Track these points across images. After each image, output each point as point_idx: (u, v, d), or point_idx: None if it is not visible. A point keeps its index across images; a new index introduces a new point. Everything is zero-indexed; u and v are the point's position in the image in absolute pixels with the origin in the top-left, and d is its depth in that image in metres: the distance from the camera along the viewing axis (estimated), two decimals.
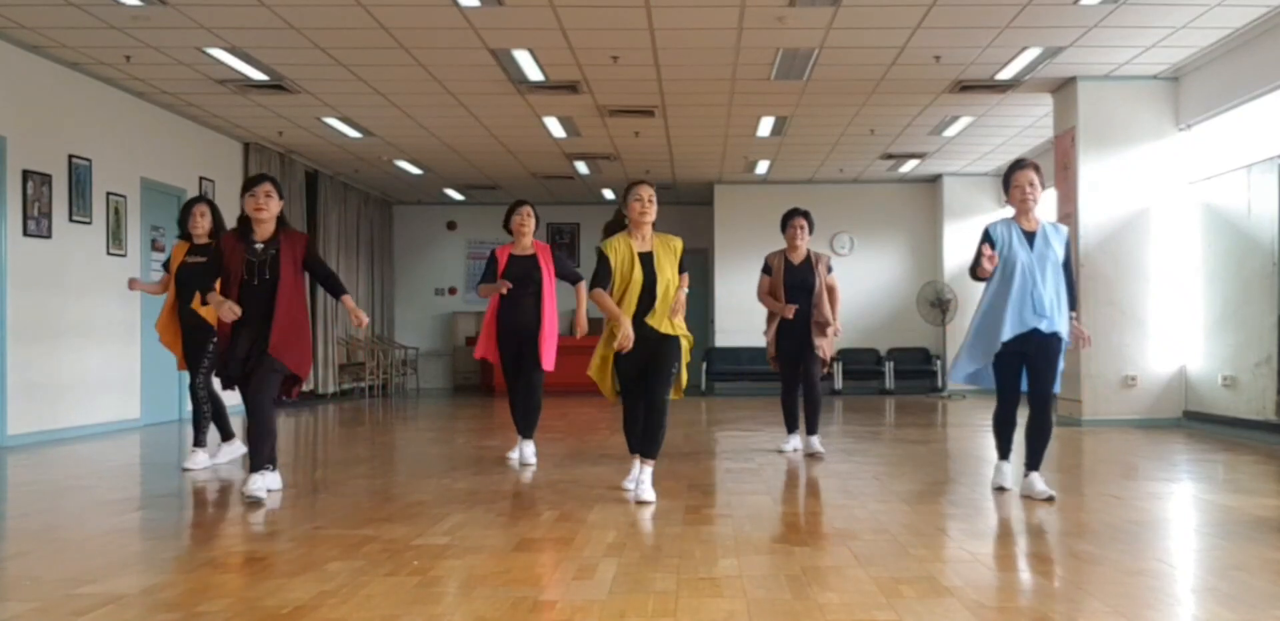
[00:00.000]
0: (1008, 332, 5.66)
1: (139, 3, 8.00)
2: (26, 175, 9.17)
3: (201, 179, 12.25)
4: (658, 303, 5.77)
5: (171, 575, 4.12)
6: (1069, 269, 5.85)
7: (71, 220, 9.78)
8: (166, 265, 7.56)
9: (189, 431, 10.11)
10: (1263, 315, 9.02)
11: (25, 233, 9.15)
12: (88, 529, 5.19)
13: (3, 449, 8.66)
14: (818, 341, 7.79)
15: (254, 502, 5.70)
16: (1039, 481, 5.79)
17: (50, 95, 9.60)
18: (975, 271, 5.79)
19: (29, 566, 4.32)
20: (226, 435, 7.50)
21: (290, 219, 14.04)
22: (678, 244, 5.95)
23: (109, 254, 10.35)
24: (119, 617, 3.44)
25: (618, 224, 5.98)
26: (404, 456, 8.62)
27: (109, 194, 10.41)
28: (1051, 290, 5.72)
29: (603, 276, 5.78)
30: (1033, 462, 5.84)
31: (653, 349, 5.77)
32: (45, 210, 9.41)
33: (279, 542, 4.74)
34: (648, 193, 5.89)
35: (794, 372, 7.92)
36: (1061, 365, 5.84)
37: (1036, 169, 5.84)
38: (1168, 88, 10.40)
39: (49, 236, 9.46)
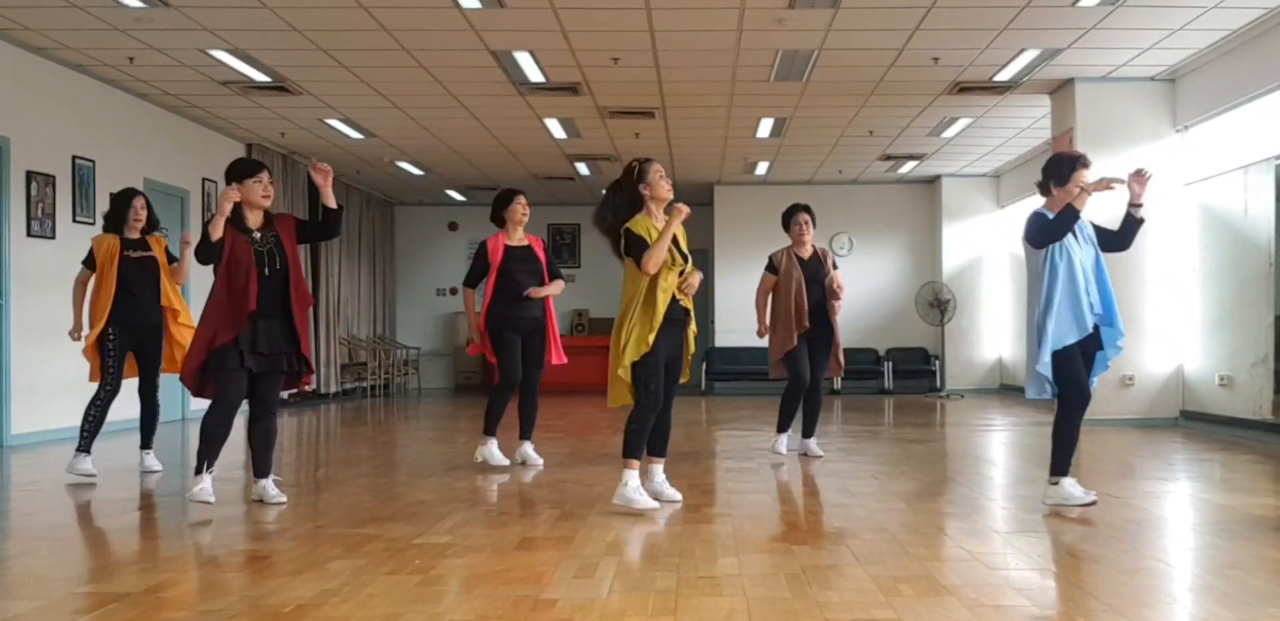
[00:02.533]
0: (1073, 336, 5.38)
1: (142, 5, 8.03)
2: (30, 176, 9.20)
3: (204, 180, 12.28)
4: (682, 279, 5.43)
5: (174, 574, 4.14)
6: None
7: (75, 221, 9.81)
8: (89, 262, 6.87)
9: (188, 432, 10.16)
10: (1259, 315, 9.04)
11: (29, 233, 9.18)
12: (90, 528, 5.22)
13: (6, 448, 8.69)
14: (835, 306, 7.64)
15: (275, 504, 5.63)
16: (1076, 487, 5.39)
17: (54, 97, 9.63)
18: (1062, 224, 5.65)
19: (32, 565, 4.35)
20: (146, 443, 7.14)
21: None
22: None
23: None
24: (122, 616, 3.45)
25: (629, 205, 5.45)
26: (405, 456, 8.65)
27: (112, 195, 10.40)
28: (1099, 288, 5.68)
29: (640, 250, 5.29)
30: (1061, 468, 5.39)
31: (680, 333, 5.55)
32: (49, 211, 9.44)
33: (281, 541, 4.76)
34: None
35: (806, 371, 7.56)
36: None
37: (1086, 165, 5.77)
38: (1165, 89, 10.42)
39: (53, 237, 9.48)
